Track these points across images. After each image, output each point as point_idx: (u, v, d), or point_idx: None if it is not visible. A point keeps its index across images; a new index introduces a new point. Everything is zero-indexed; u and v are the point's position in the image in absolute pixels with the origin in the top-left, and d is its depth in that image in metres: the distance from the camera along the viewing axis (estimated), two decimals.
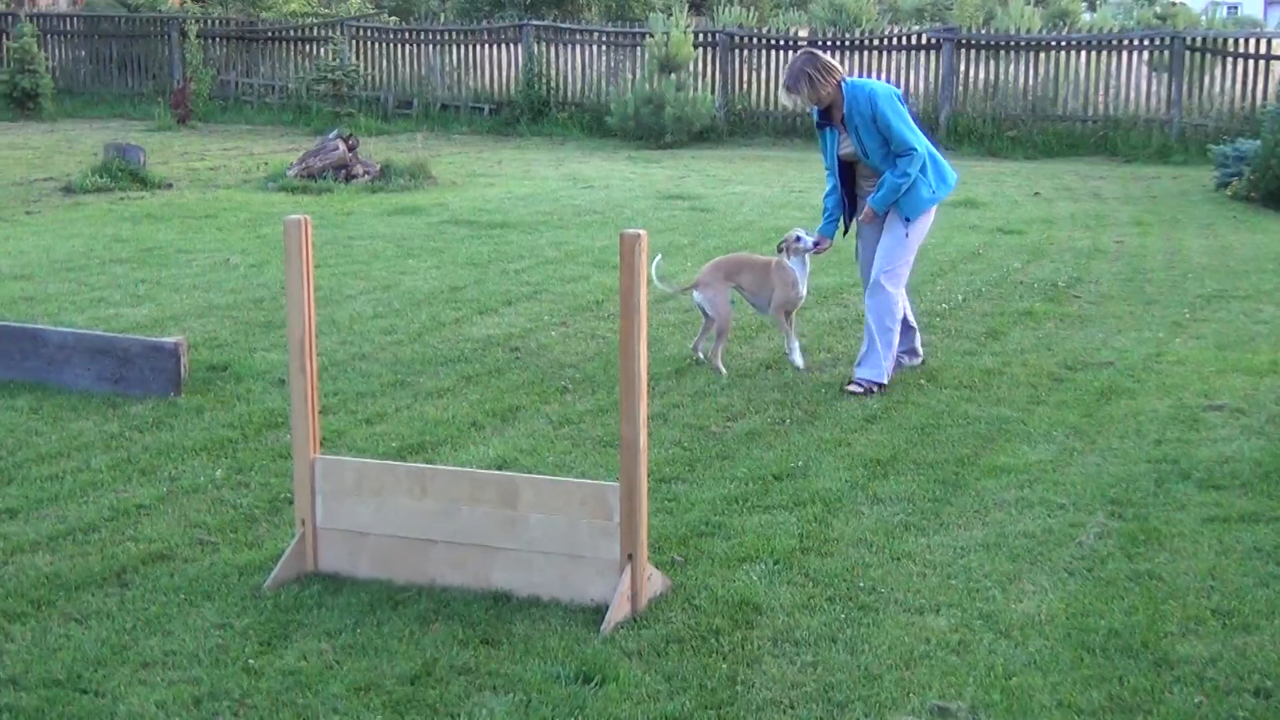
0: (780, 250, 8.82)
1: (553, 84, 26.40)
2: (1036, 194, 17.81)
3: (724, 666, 4.81)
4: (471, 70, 27.12)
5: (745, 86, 25.23)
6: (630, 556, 5.19)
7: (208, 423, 7.59)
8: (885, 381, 8.31)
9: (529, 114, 25.88)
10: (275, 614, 5.22)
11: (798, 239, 8.72)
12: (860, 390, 8.23)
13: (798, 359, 8.78)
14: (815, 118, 8.49)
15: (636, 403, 5.12)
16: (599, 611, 5.19)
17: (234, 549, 5.89)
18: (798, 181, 18.92)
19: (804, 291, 8.85)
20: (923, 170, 8.31)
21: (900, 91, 8.67)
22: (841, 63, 24.43)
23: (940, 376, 8.63)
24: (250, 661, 4.83)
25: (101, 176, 17.19)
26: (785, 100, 8.36)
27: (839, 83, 8.26)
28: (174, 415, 7.69)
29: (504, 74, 26.84)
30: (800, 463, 6.99)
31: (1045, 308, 10.69)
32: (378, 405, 7.98)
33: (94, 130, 24.61)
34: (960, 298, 11.03)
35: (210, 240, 13.52)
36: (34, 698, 4.55)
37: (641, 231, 5.06)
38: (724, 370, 8.66)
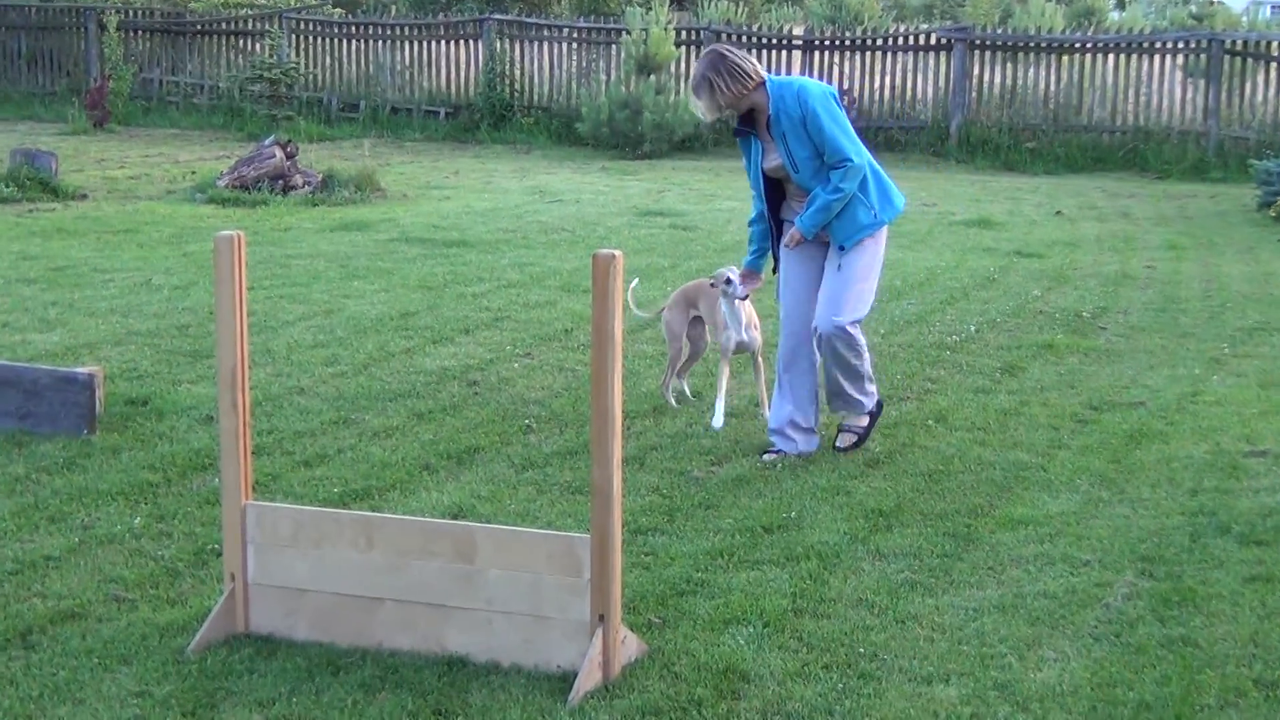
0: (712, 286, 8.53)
1: (517, 85, 26.51)
2: (1058, 213, 17.92)
3: None
4: (426, 69, 27.20)
5: None
6: (602, 618, 5.18)
7: (125, 464, 7.57)
8: (871, 407, 8.12)
9: (490, 119, 25.97)
10: (200, 680, 5.19)
11: (727, 281, 8.30)
12: (855, 439, 8.05)
13: (714, 418, 8.42)
14: (736, 124, 7.88)
15: (610, 444, 5.12)
16: (566, 679, 5.18)
17: (154, 607, 5.86)
18: None
19: (738, 337, 8.45)
20: (863, 188, 7.74)
21: (836, 91, 7.92)
22: (841, 64, 24.65)
23: (950, 417, 8.66)
24: None
25: (7, 186, 17.19)
26: (694, 107, 7.77)
27: (759, 85, 7.63)
28: (87, 455, 7.67)
29: (462, 74, 26.94)
30: (793, 513, 7.01)
31: (1068, 340, 10.74)
32: (318, 445, 7.97)
33: None
34: (973, 328, 11.08)
35: (130, 258, 13.52)
36: None
37: (616, 252, 5.07)
38: (673, 402, 8.85)
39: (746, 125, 7.79)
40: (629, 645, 5.36)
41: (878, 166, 7.92)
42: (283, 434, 8.12)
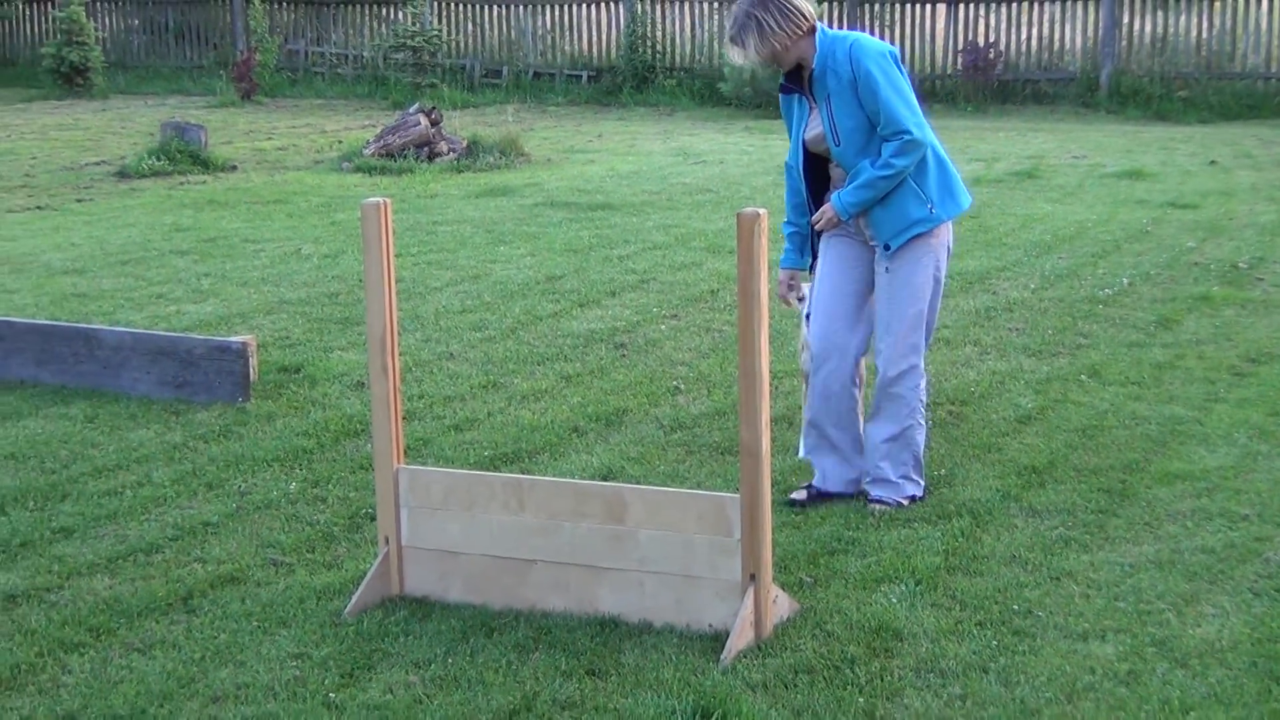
0: None
1: (659, 47, 26.47)
2: (1212, 162, 17.59)
3: (860, 700, 4.82)
4: (568, 33, 27.27)
5: None
6: (753, 577, 5.20)
7: (280, 431, 7.70)
8: (919, 493, 6.65)
9: (632, 81, 25.97)
10: (357, 642, 5.29)
11: (800, 299, 7.04)
12: (890, 504, 6.57)
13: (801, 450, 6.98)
14: (781, 80, 6.65)
15: (758, 404, 5.14)
16: (718, 639, 5.21)
17: (311, 570, 5.98)
18: None
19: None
20: (919, 174, 6.43)
21: (897, 51, 6.55)
22: (986, 17, 24.35)
23: (1104, 372, 8.56)
24: (331, 695, 4.90)
25: (159, 159, 17.49)
26: (734, 58, 6.53)
27: (809, 32, 6.39)
28: (242, 423, 7.82)
29: (604, 37, 26.96)
30: (944, 470, 6.97)
31: (1224, 292, 10.56)
32: (467, 409, 8.05)
33: (149, 108, 25.04)
34: (1126, 281, 10.93)
35: (279, 228, 13.72)
36: None
37: (761, 210, 5.07)
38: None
39: (793, 82, 6.54)
40: (780, 604, 5.37)
41: (943, 153, 6.57)
42: (433, 399, 8.22)
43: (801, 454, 6.85)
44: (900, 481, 6.57)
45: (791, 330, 9.50)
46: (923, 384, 6.66)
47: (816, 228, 6.61)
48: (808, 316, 6.87)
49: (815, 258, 6.76)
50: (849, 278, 6.64)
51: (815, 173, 6.62)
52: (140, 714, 4.79)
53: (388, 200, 5.61)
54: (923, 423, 6.67)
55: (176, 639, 5.35)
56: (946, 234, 6.60)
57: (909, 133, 6.28)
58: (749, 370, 5.11)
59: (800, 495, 6.64)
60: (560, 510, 5.48)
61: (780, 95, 6.64)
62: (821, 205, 6.59)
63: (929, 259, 6.52)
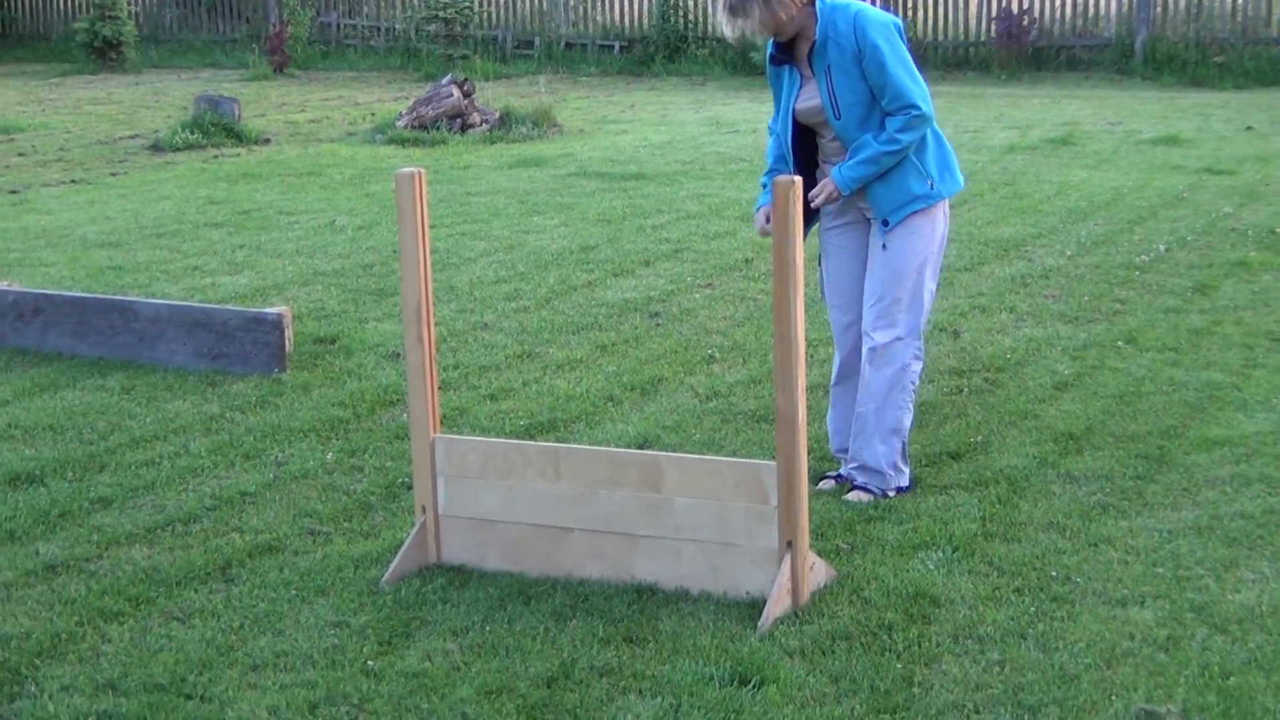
0: None
1: (691, 16, 26.39)
2: (1249, 128, 17.47)
3: (898, 666, 4.81)
4: (599, 3, 27.22)
5: (910, 13, 25.01)
6: (790, 544, 5.20)
7: (316, 401, 7.72)
8: (905, 484, 6.41)
9: (665, 51, 25.91)
10: (395, 611, 5.30)
11: None
12: (869, 496, 6.34)
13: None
14: (770, 51, 6.36)
15: (794, 371, 5.13)
16: (755, 606, 5.21)
17: (348, 539, 6.00)
18: (971, 120, 18.73)
19: None
20: (919, 151, 6.26)
21: (901, 23, 6.36)
22: None
23: (1141, 338, 8.53)
24: (369, 663, 4.92)
25: (192, 132, 17.52)
26: (727, 29, 6.20)
27: (810, 2, 6.17)
28: (279, 393, 7.84)
29: (636, 7, 26.90)
30: (980, 437, 6.96)
31: (1262, 258, 10.49)
32: (503, 379, 8.06)
33: (182, 81, 25.10)
34: (1162, 248, 10.87)
35: (313, 200, 13.74)
36: (134, 703, 4.67)
37: (796, 178, 5.06)
38: None
39: (785, 54, 6.30)
40: (817, 571, 5.37)
41: (940, 131, 6.41)
42: (468, 369, 8.22)
43: (833, 448, 6.73)
44: (889, 472, 6.34)
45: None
46: (918, 367, 6.44)
47: (815, 203, 6.28)
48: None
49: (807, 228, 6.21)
50: (854, 256, 6.52)
51: (803, 145, 6.40)
52: (180, 682, 4.81)
53: (422, 170, 5.61)
54: (911, 408, 6.43)
55: (215, 608, 5.37)
56: (946, 211, 6.42)
57: (917, 108, 6.10)
58: (785, 338, 5.10)
59: (827, 485, 6.51)
60: (597, 478, 5.48)
61: (769, 66, 6.35)
62: (809, 178, 6.32)
63: (928, 234, 6.32)
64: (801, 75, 6.27)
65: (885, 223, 6.28)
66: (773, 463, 5.23)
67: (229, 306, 8.82)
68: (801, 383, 5.15)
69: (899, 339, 6.31)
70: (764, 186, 6.53)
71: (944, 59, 24.81)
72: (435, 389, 5.70)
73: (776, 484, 5.19)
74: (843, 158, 6.26)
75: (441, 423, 5.94)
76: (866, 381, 6.36)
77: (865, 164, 6.16)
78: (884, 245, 6.30)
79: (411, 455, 5.80)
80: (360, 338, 8.82)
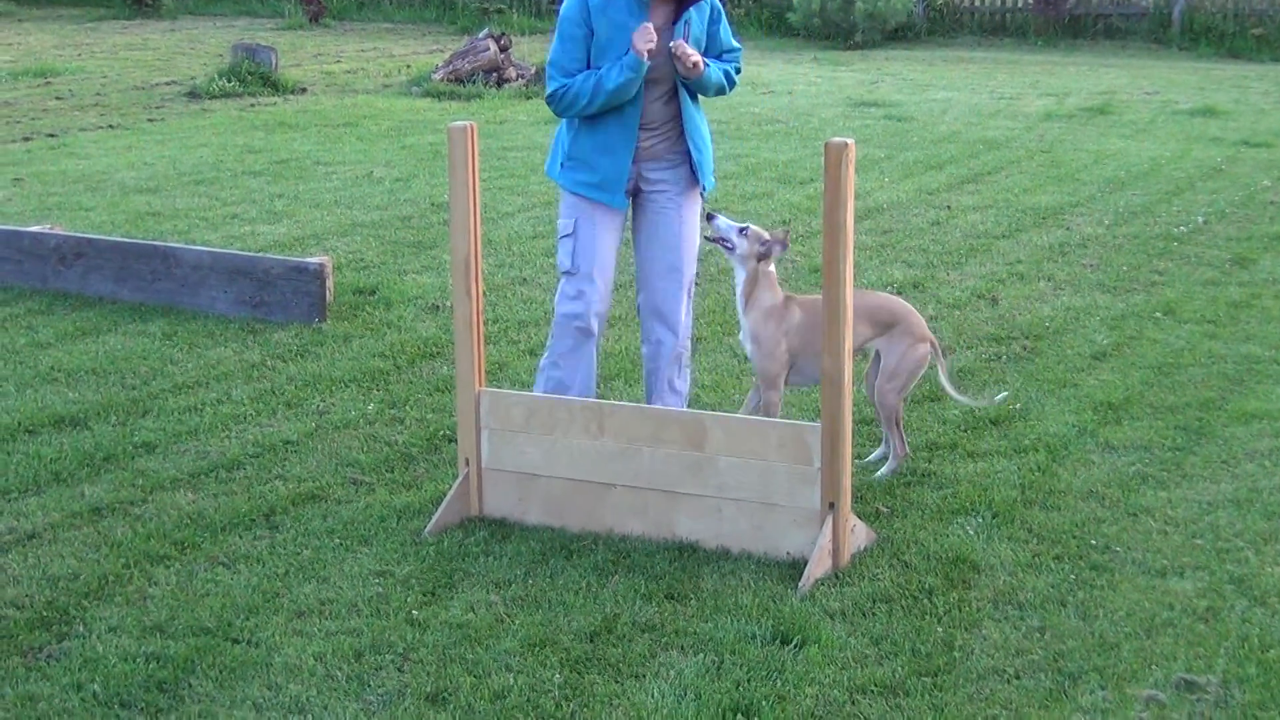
0: (764, 260, 6.20)
1: None
2: None
3: (939, 629, 4.83)
4: None
5: None
6: (832, 505, 5.21)
7: (356, 352, 7.75)
8: None
9: None
10: (438, 562, 5.34)
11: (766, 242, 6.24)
12: None
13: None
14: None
15: (841, 333, 5.13)
16: (796, 566, 5.23)
17: (390, 490, 6.03)
18: (1008, 86, 18.66)
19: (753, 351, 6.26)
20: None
21: None
22: None
23: (1179, 309, 8.51)
24: (414, 612, 4.95)
25: (229, 80, 17.53)
26: None
27: None
28: (319, 343, 7.87)
29: None
30: (1019, 405, 6.96)
31: None
32: (542, 334, 8.05)
33: (218, 29, 25.08)
34: (1201, 219, 10.84)
35: (351, 151, 13.74)
36: (182, 646, 4.71)
37: (849, 140, 5.06)
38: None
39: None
40: (858, 533, 5.39)
41: None
42: (507, 323, 8.24)
43: None
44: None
45: (865, 261, 9.47)
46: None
47: (689, 63, 5.97)
48: None
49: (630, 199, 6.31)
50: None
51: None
52: (227, 626, 4.85)
53: (473, 124, 5.61)
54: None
55: (260, 554, 5.41)
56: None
57: (739, 51, 6.37)
58: (833, 299, 5.10)
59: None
60: (640, 435, 5.50)
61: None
62: (667, 143, 6.24)
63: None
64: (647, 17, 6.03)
65: (704, 191, 6.41)
66: (817, 424, 5.24)
67: (270, 255, 8.84)
68: (849, 345, 5.15)
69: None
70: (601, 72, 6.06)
71: (981, 24, 24.70)
72: (482, 341, 5.72)
73: (820, 445, 5.20)
74: (659, 133, 6.21)
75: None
76: (678, 357, 6.43)
77: (721, 73, 6.22)
78: (681, 213, 6.34)
79: (456, 408, 5.82)
80: (400, 289, 8.84)
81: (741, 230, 6.15)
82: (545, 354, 6.41)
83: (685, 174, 6.32)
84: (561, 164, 6.26)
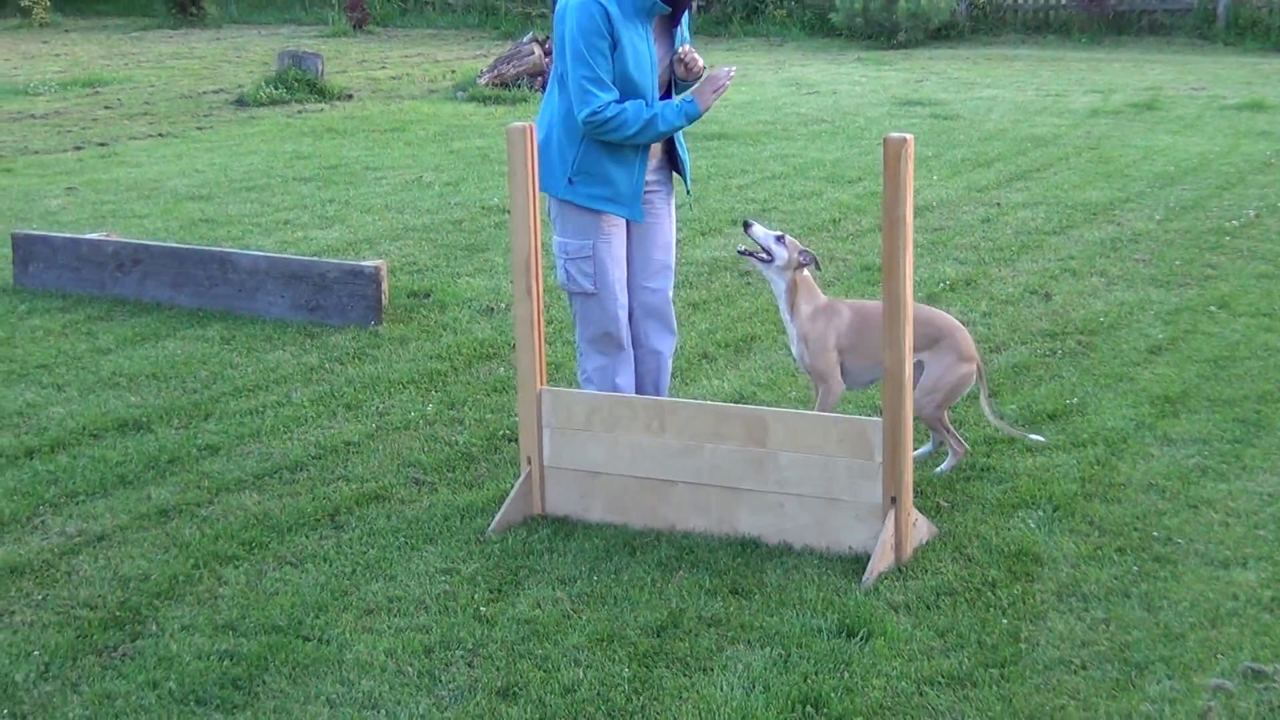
0: (801, 269, 6.17)
1: None
2: None
3: (1004, 622, 4.85)
4: None
5: None
6: (894, 500, 5.24)
7: (413, 354, 7.81)
8: None
9: (742, 11, 25.88)
10: (503, 559, 5.38)
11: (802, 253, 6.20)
12: None
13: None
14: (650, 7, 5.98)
15: (901, 328, 5.15)
16: (858, 561, 5.26)
17: (452, 489, 6.08)
18: (1053, 83, 18.63)
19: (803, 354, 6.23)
20: None
21: None
22: None
23: (1234, 303, 8.50)
24: (481, 609, 4.99)
25: (276, 87, 17.66)
26: None
27: None
28: (376, 346, 7.93)
29: None
30: (1076, 399, 6.97)
31: None
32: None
33: (262, 37, 25.24)
34: (1252, 213, 10.82)
35: (399, 156, 13.82)
36: (254, 644, 4.77)
37: (908, 136, 5.07)
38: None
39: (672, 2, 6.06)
40: (920, 527, 5.41)
41: None
42: (562, 324, 8.28)
43: None
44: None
45: (918, 257, 9.47)
46: None
47: (697, 69, 6.10)
48: None
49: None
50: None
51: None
52: (298, 625, 4.91)
53: (531, 125, 5.66)
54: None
55: (327, 553, 5.46)
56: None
57: None
58: (893, 294, 5.13)
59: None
60: (701, 432, 5.54)
61: (652, 17, 5.99)
62: (662, 144, 6.26)
63: None
64: (650, 34, 6.03)
65: (688, 193, 6.70)
66: (878, 419, 5.27)
67: (326, 259, 8.91)
68: (909, 340, 5.18)
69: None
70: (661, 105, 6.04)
71: (1024, 22, 24.66)
72: (542, 340, 5.76)
73: (882, 440, 5.23)
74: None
75: None
76: (668, 325, 6.43)
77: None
78: (671, 216, 6.40)
79: (518, 407, 5.86)
80: (454, 292, 8.89)
81: (779, 239, 6.14)
82: (579, 373, 6.37)
83: (669, 172, 6.37)
84: (570, 179, 6.13)
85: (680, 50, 6.12)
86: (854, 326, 6.05)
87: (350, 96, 17.91)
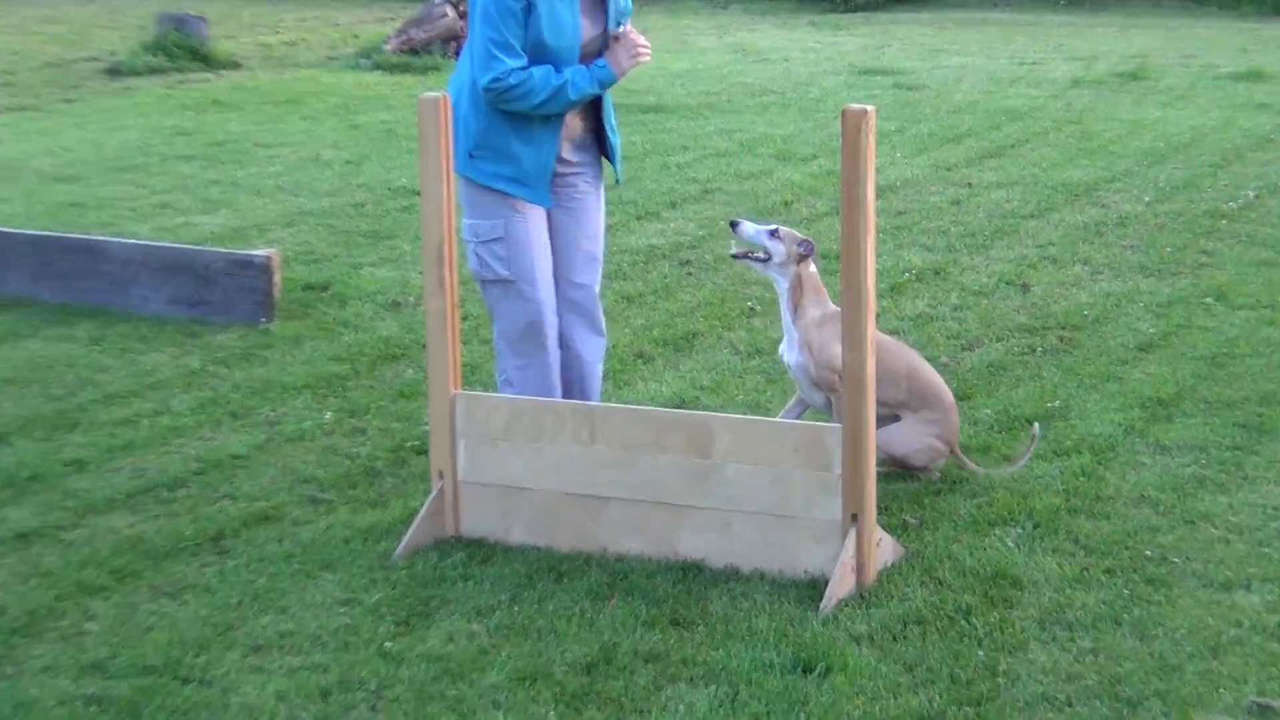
0: (804, 261, 6.18)
1: None
2: None
3: (980, 654, 4.82)
4: None
5: None
6: (855, 517, 5.20)
7: (309, 355, 7.73)
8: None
9: None
10: (412, 588, 5.31)
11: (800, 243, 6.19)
12: None
13: None
14: None
15: (862, 323, 5.11)
16: (815, 586, 5.21)
17: (353, 509, 6.00)
18: (1029, 50, 18.72)
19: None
20: None
21: None
22: None
23: (1231, 294, 8.53)
24: (386, 645, 4.93)
25: (154, 54, 17.54)
26: None
27: None
28: (267, 346, 7.86)
29: None
30: (1058, 402, 6.96)
31: None
32: None
33: None
34: (1252, 194, 10.88)
35: (294, 132, 13.75)
36: (126, 686, 4.68)
37: (869, 107, 5.04)
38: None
39: None
40: (884, 548, 5.38)
41: None
42: (478, 319, 8.22)
43: None
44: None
45: (879, 245, 9.47)
46: None
47: (636, 52, 5.96)
48: None
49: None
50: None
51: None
52: (175, 664, 4.82)
53: (446, 96, 5.60)
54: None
55: (209, 583, 5.38)
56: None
57: None
58: (853, 284, 5.09)
59: None
60: (638, 441, 5.48)
61: None
62: (585, 121, 6.16)
63: None
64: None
65: (617, 182, 6.48)
66: (837, 425, 5.23)
67: (210, 248, 8.82)
68: (871, 334, 5.14)
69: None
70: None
71: None
72: (457, 338, 5.70)
73: (841, 449, 5.18)
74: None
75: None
76: (598, 323, 6.43)
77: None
78: (598, 205, 6.34)
79: (428, 414, 5.80)
80: (355, 285, 8.83)
81: (773, 233, 6.10)
82: (498, 375, 6.30)
83: (596, 155, 6.27)
84: (470, 154, 6.04)
85: (618, 30, 6.02)
86: None
87: (238, 65, 17.81)
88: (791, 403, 6.36)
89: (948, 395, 6.25)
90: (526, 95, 5.83)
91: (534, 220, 6.08)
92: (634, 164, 12.04)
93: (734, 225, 6.15)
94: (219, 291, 8.25)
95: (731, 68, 17.46)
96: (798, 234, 6.13)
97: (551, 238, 6.20)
